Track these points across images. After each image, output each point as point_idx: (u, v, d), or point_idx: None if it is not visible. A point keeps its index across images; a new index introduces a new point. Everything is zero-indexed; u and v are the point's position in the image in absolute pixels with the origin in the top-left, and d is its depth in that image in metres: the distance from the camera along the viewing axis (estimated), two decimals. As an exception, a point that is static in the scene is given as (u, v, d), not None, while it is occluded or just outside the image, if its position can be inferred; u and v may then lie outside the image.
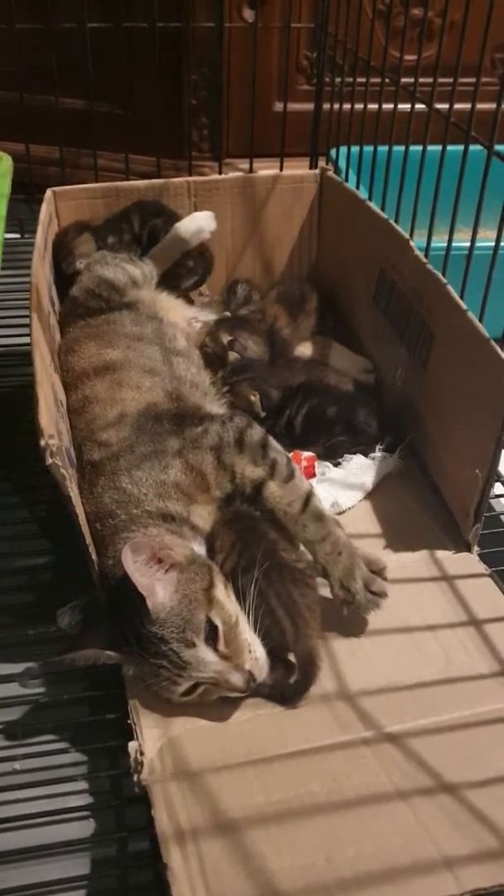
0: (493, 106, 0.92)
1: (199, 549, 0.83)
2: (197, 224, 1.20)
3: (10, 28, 1.40)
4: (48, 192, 1.20)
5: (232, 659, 0.73)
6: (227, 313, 1.20)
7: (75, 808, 0.75)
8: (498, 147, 0.89)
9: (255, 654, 0.74)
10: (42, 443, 0.73)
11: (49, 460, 0.73)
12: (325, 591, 0.84)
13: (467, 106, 0.94)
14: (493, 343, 0.87)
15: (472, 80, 0.93)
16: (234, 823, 0.63)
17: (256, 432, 0.88)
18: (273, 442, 0.89)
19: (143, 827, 0.71)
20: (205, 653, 0.73)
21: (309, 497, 0.85)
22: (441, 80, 1.03)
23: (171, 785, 0.68)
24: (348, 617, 0.83)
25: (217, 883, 0.58)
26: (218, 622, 0.74)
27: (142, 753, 0.71)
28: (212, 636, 0.73)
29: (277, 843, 0.62)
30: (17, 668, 0.86)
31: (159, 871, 0.68)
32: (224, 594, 0.77)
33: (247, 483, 0.85)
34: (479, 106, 0.94)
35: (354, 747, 0.72)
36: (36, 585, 0.94)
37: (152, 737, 0.73)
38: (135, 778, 0.70)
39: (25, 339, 1.14)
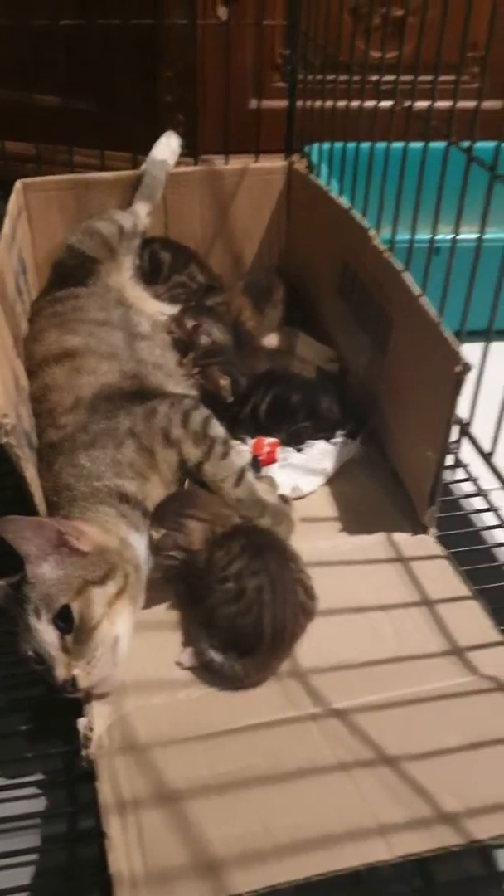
0: (463, 104, 0.95)
1: (140, 536, 0.85)
2: (168, 145, 1.29)
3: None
4: (17, 184, 1.21)
5: (69, 654, 0.73)
6: (192, 303, 1.21)
7: (27, 783, 0.76)
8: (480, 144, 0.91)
9: (94, 668, 0.74)
10: (-2, 421, 0.74)
11: (3, 439, 0.74)
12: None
13: (440, 104, 0.96)
14: (443, 328, 0.88)
15: (443, 77, 0.95)
16: (176, 794, 0.64)
17: (200, 413, 0.91)
18: (214, 422, 0.92)
19: (90, 806, 0.72)
20: (46, 630, 0.74)
21: (242, 473, 0.90)
22: (406, 77, 1.05)
23: (117, 759, 0.68)
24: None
25: (154, 850, 0.59)
26: (75, 615, 0.74)
27: (91, 729, 0.71)
28: (64, 623, 0.74)
29: (217, 812, 0.63)
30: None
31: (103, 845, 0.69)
32: (105, 597, 0.77)
33: (188, 461, 0.88)
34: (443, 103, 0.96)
35: (301, 723, 0.73)
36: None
37: (102, 713, 0.74)
38: (83, 753, 0.70)
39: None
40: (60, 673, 0.73)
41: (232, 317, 1.20)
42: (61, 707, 0.78)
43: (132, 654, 0.79)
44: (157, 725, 0.73)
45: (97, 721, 0.73)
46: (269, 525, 0.89)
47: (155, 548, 0.85)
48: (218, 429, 0.91)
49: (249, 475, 0.90)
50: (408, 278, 0.98)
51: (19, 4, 1.44)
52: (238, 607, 0.79)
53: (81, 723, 0.72)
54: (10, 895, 0.69)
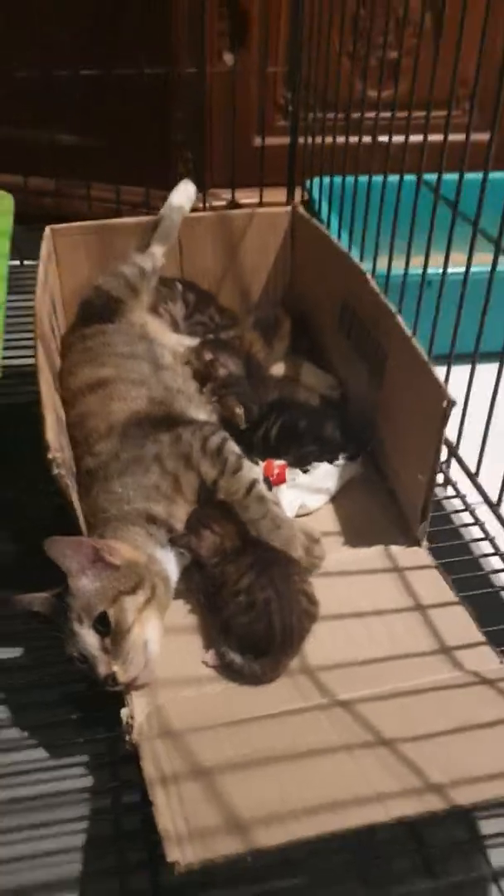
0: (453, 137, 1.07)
1: (167, 553, 0.97)
2: (185, 192, 1.40)
3: (11, 77, 1.54)
4: (47, 230, 1.33)
5: (109, 654, 0.86)
6: (210, 336, 1.33)
7: (75, 763, 0.89)
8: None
9: (129, 665, 0.86)
10: (49, 456, 0.86)
11: (55, 471, 0.86)
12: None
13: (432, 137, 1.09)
14: (431, 367, 1.00)
15: (433, 113, 1.08)
16: (208, 771, 0.77)
17: (218, 437, 1.04)
18: (230, 444, 1.04)
19: (135, 783, 0.85)
20: (88, 634, 0.86)
21: (252, 485, 1.01)
22: (400, 115, 1.18)
23: (157, 742, 0.81)
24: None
25: (193, 814, 0.72)
26: (111, 620, 0.87)
27: (132, 718, 0.84)
28: (103, 628, 0.87)
29: (243, 785, 0.75)
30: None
31: (147, 815, 0.82)
32: (136, 605, 0.89)
33: (206, 481, 1.01)
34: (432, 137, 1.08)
35: (311, 712, 0.85)
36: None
37: (140, 704, 0.86)
38: (126, 738, 0.83)
39: (28, 360, 1.28)
40: (102, 670, 0.86)
41: (244, 349, 1.32)
42: (102, 699, 0.91)
43: (163, 654, 0.91)
44: (188, 714, 0.85)
45: (137, 711, 0.85)
46: (283, 540, 0.98)
47: (171, 540, 0.98)
48: (233, 448, 1.03)
49: (260, 487, 1.02)
50: (401, 320, 1.10)
51: (43, 54, 1.57)
52: (250, 617, 0.92)
53: (124, 712, 0.85)
54: (64, 854, 0.82)
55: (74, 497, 0.92)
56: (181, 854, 0.67)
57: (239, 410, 1.19)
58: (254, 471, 1.05)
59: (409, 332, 1.08)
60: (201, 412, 1.15)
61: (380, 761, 0.77)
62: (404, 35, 1.52)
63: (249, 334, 1.35)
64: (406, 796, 0.72)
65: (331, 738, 0.81)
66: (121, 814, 0.86)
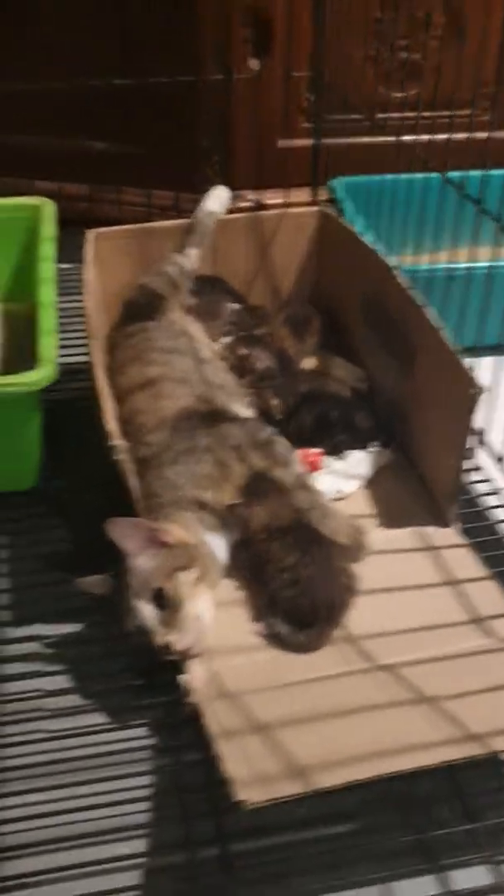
0: (472, 135, 1.14)
1: (216, 536, 1.05)
2: (219, 198, 1.46)
3: (49, 88, 1.62)
4: (90, 234, 1.41)
5: (165, 626, 0.94)
6: (229, 338, 1.40)
7: (138, 725, 0.97)
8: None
9: (184, 635, 0.93)
10: (111, 443, 0.94)
11: (117, 456, 0.94)
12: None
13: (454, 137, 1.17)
14: (460, 358, 1.08)
15: (457, 113, 1.15)
16: (265, 726, 0.85)
17: (264, 432, 1.10)
18: (277, 438, 1.10)
19: (194, 743, 0.93)
20: (145, 607, 0.94)
21: (302, 476, 1.08)
22: (423, 114, 1.26)
23: (216, 703, 0.89)
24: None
25: (256, 762, 0.79)
26: (168, 595, 0.94)
27: (191, 682, 0.92)
28: (159, 602, 0.94)
29: (299, 737, 0.83)
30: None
31: (210, 770, 0.90)
32: (189, 580, 0.96)
33: (257, 470, 1.07)
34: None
35: (356, 675, 0.93)
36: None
37: (198, 671, 0.94)
38: (187, 700, 0.91)
39: (73, 359, 1.35)
40: (160, 640, 0.93)
41: (276, 345, 1.40)
42: (159, 669, 0.99)
43: (215, 625, 0.99)
44: (242, 679, 0.93)
45: (195, 677, 0.93)
46: (331, 529, 1.05)
47: (228, 507, 1.06)
48: (281, 442, 1.09)
49: (308, 478, 1.09)
50: (429, 313, 1.17)
51: (76, 65, 1.65)
52: (295, 592, 1.00)
53: (183, 678, 0.93)
54: (129, 804, 0.90)
55: (133, 480, 0.99)
56: (248, 795, 0.74)
57: (275, 402, 1.26)
58: (302, 466, 1.11)
59: (437, 322, 1.15)
60: (240, 405, 1.22)
61: (423, 715, 0.85)
62: (424, 37, 1.60)
63: (281, 330, 1.43)
64: (449, 744, 0.80)
65: (376, 697, 0.89)
66: (182, 770, 0.93)
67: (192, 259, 1.40)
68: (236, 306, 1.42)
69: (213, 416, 1.12)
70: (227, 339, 1.36)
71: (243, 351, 1.33)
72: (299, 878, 0.84)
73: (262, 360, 1.33)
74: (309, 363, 1.45)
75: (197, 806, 0.90)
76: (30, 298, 1.55)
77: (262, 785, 0.76)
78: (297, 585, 1.00)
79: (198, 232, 1.43)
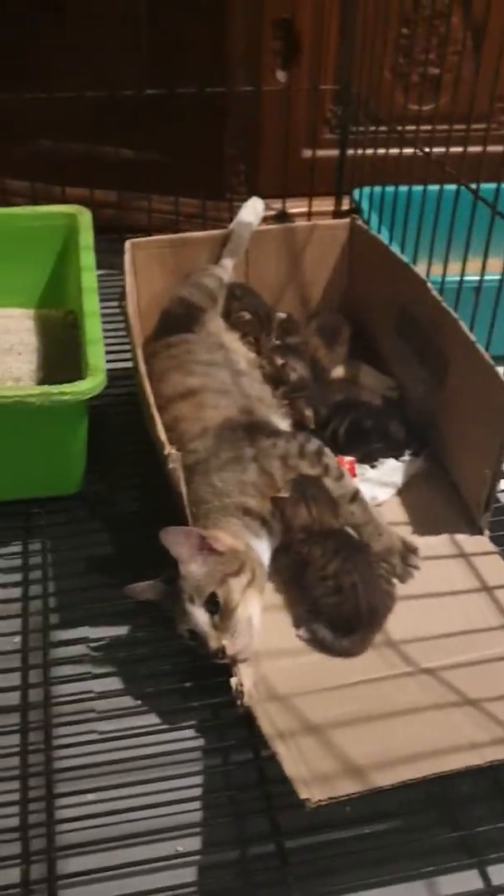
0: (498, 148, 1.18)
1: (260, 542, 1.08)
2: (254, 209, 1.51)
3: (81, 97, 1.65)
4: (127, 244, 1.44)
5: (218, 630, 0.97)
6: (277, 342, 1.43)
7: (186, 726, 1.00)
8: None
9: (236, 639, 0.96)
10: (165, 452, 0.98)
11: (171, 465, 0.98)
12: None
13: (471, 149, 1.22)
14: (496, 370, 1.11)
15: (474, 126, 1.19)
16: (318, 727, 0.88)
17: (313, 444, 1.13)
18: (327, 450, 1.13)
19: (243, 743, 0.96)
20: (198, 612, 0.97)
21: (356, 492, 1.11)
22: (441, 127, 1.29)
23: (268, 705, 0.92)
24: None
25: (313, 762, 0.83)
26: (220, 599, 0.97)
27: (241, 685, 0.95)
28: (213, 606, 0.97)
29: (351, 738, 0.86)
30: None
31: (262, 768, 0.94)
32: (240, 585, 0.99)
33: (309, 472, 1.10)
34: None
35: (399, 678, 0.97)
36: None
37: (247, 673, 0.97)
38: (238, 702, 0.94)
39: (111, 365, 1.38)
40: (213, 644, 0.97)
41: (309, 353, 1.43)
42: (205, 671, 1.02)
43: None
44: (290, 681, 0.97)
45: (244, 679, 0.96)
46: (383, 547, 1.08)
47: (272, 500, 1.09)
48: (330, 456, 1.12)
49: (362, 496, 1.11)
50: (464, 326, 1.21)
51: (106, 74, 1.68)
52: (339, 598, 1.03)
53: (233, 681, 0.96)
54: (181, 804, 0.93)
55: (184, 489, 1.02)
56: (310, 794, 0.78)
57: (308, 412, 1.29)
58: (353, 483, 1.13)
59: (472, 335, 1.18)
60: (278, 417, 1.25)
61: (468, 717, 0.88)
62: (444, 52, 1.64)
63: (313, 339, 1.46)
64: (496, 744, 0.83)
65: (421, 699, 0.92)
66: (232, 770, 0.97)
67: (228, 270, 1.44)
68: (283, 315, 1.46)
69: (256, 427, 1.15)
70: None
71: (279, 360, 1.36)
72: (349, 874, 0.88)
73: (296, 370, 1.37)
74: (338, 372, 1.48)
75: (248, 804, 0.93)
76: (63, 305, 1.60)
77: (322, 784, 0.79)
78: (340, 593, 1.04)
79: (233, 243, 1.47)
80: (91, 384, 1.11)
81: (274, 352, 1.38)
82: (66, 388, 1.09)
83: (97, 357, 1.16)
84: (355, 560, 1.06)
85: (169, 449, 0.98)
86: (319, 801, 0.77)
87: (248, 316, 1.43)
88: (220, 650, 0.96)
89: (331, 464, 1.11)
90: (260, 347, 1.40)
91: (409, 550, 1.09)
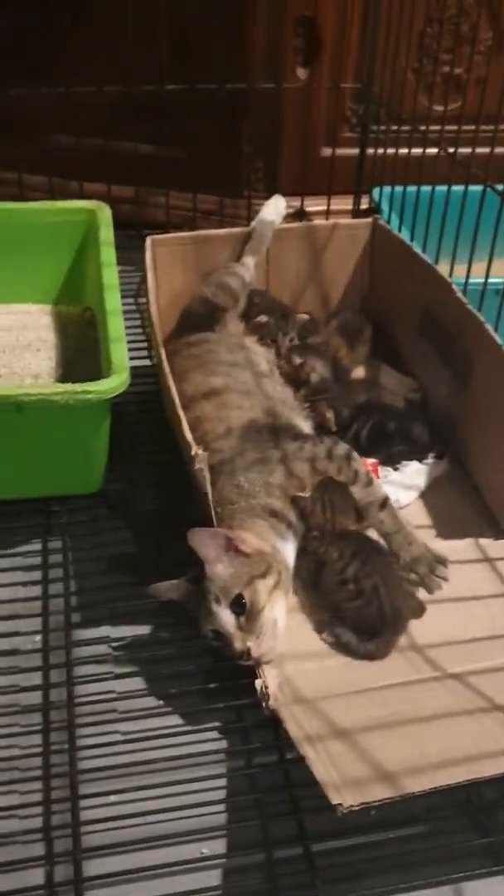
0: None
1: (286, 544, 1.07)
2: (276, 207, 1.50)
3: (100, 92, 1.64)
4: (148, 241, 1.43)
5: (243, 631, 0.96)
6: (297, 341, 1.42)
7: (209, 728, 0.99)
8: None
9: (262, 641, 0.95)
10: (192, 453, 0.97)
11: (198, 465, 0.97)
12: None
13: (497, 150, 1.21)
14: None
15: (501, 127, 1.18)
16: (346, 731, 0.87)
17: (341, 448, 1.11)
18: (355, 455, 1.11)
19: (268, 745, 0.96)
20: (224, 612, 0.96)
21: (386, 499, 1.09)
22: (467, 127, 1.28)
23: (294, 707, 0.91)
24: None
25: (343, 766, 0.82)
26: (246, 601, 0.97)
27: (266, 687, 0.94)
28: (239, 608, 0.96)
29: (381, 743, 0.86)
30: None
31: (288, 771, 0.93)
32: (267, 588, 0.98)
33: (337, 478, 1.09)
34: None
35: (426, 683, 0.96)
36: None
37: (272, 675, 0.96)
38: (263, 705, 0.93)
39: (137, 363, 1.37)
40: (238, 646, 0.96)
41: (330, 354, 1.42)
42: (229, 672, 1.01)
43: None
44: (316, 684, 0.96)
45: (269, 681, 0.95)
46: (412, 557, 1.06)
47: (293, 499, 1.09)
48: (359, 461, 1.10)
49: (391, 503, 1.08)
50: (489, 328, 1.20)
51: (126, 69, 1.67)
52: (361, 602, 1.03)
53: (258, 683, 0.95)
54: (206, 806, 0.92)
55: (209, 490, 1.02)
56: (341, 798, 0.77)
57: (329, 414, 1.28)
58: (382, 489, 1.11)
59: (497, 338, 1.17)
60: (300, 419, 1.24)
61: (498, 722, 0.88)
62: (470, 52, 1.62)
63: (335, 339, 1.45)
64: (528, 753, 0.83)
65: (450, 704, 0.91)
66: (257, 772, 0.96)
67: (250, 269, 1.43)
68: (305, 316, 1.45)
69: (281, 430, 1.15)
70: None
71: (297, 360, 1.35)
72: (376, 878, 0.87)
73: (316, 369, 1.36)
74: (358, 373, 1.48)
75: (274, 807, 0.92)
76: (81, 301, 1.59)
77: (353, 789, 0.79)
78: (361, 596, 1.03)
79: (255, 241, 1.46)
80: (115, 383, 1.10)
81: (292, 351, 1.37)
82: (90, 386, 1.08)
83: (120, 355, 1.15)
84: (374, 562, 1.05)
85: (196, 449, 0.97)
86: (351, 806, 0.77)
87: (264, 319, 1.42)
88: (246, 652, 0.96)
89: (360, 469, 1.10)
90: (279, 349, 1.39)
91: (437, 561, 1.06)
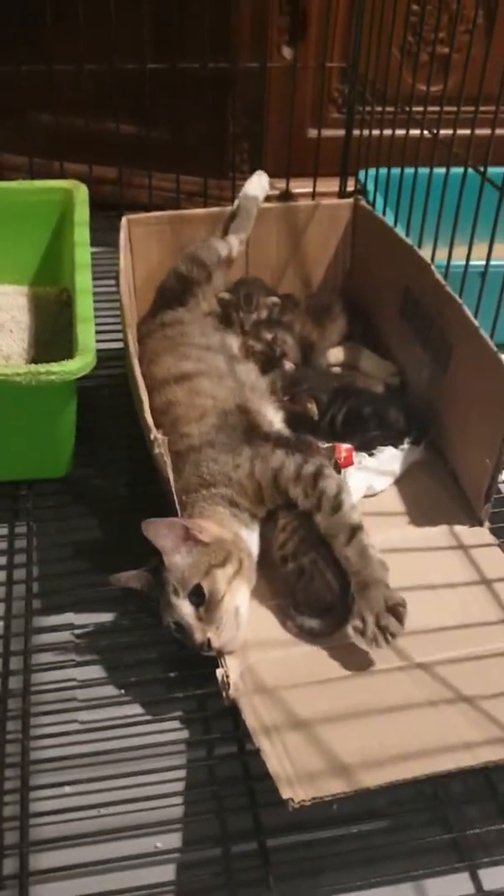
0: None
1: (249, 531, 1.04)
2: (259, 183, 1.47)
3: (80, 69, 1.60)
4: (123, 220, 1.40)
5: (203, 622, 0.93)
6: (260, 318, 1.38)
7: (170, 718, 0.97)
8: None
9: (222, 631, 0.93)
10: (151, 436, 0.94)
11: (157, 450, 0.94)
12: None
13: (479, 132, 1.16)
14: (500, 358, 1.07)
15: (483, 108, 1.14)
16: (305, 722, 0.85)
17: (310, 466, 1.03)
18: (326, 473, 1.03)
19: (229, 736, 0.93)
20: (182, 604, 0.94)
21: (355, 531, 0.99)
22: (450, 108, 1.25)
23: (254, 697, 0.89)
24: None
25: (298, 759, 0.79)
26: (205, 591, 0.94)
27: (227, 676, 0.91)
28: (197, 598, 0.94)
29: (340, 734, 0.83)
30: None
31: (246, 763, 0.90)
32: (226, 576, 0.95)
33: (300, 506, 1.03)
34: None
35: (392, 673, 0.93)
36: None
37: (233, 665, 0.94)
38: (224, 694, 0.90)
39: (106, 345, 1.34)
40: (198, 637, 0.93)
41: (297, 331, 1.39)
42: (193, 660, 0.98)
43: (249, 619, 0.99)
44: (279, 673, 0.93)
45: (231, 670, 0.93)
46: (367, 600, 0.95)
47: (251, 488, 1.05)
48: (329, 482, 1.02)
49: (363, 535, 0.99)
50: (467, 311, 1.16)
51: (106, 48, 1.63)
52: (305, 579, 1.00)
53: (219, 672, 0.92)
54: (164, 798, 0.89)
55: (171, 476, 0.99)
56: (293, 793, 0.74)
57: (312, 405, 1.25)
58: (355, 511, 1.01)
59: (476, 322, 1.14)
60: (271, 408, 1.21)
61: (462, 714, 0.85)
62: (456, 32, 1.58)
63: (301, 317, 1.42)
64: (490, 744, 0.80)
65: (414, 695, 0.89)
66: (216, 763, 0.93)
67: (231, 246, 1.39)
68: (275, 299, 1.41)
69: (255, 427, 1.11)
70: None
71: (268, 335, 1.32)
72: (335, 874, 0.85)
73: (288, 342, 1.33)
74: (337, 354, 1.44)
75: (231, 800, 0.90)
76: (58, 282, 1.56)
77: (306, 783, 0.76)
78: (304, 573, 1.00)
79: (240, 218, 1.42)
80: (79, 364, 1.07)
81: (259, 327, 1.34)
82: (54, 367, 1.05)
83: (87, 336, 1.12)
84: (311, 539, 1.02)
85: (155, 433, 0.94)
86: (303, 800, 0.74)
87: (227, 296, 1.39)
88: (206, 643, 0.93)
89: (327, 491, 1.01)
90: (243, 327, 1.36)
91: (391, 611, 0.94)
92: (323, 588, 0.99)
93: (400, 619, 0.93)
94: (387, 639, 0.92)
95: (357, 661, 0.95)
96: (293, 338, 1.37)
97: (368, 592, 0.96)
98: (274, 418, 1.19)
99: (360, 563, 0.98)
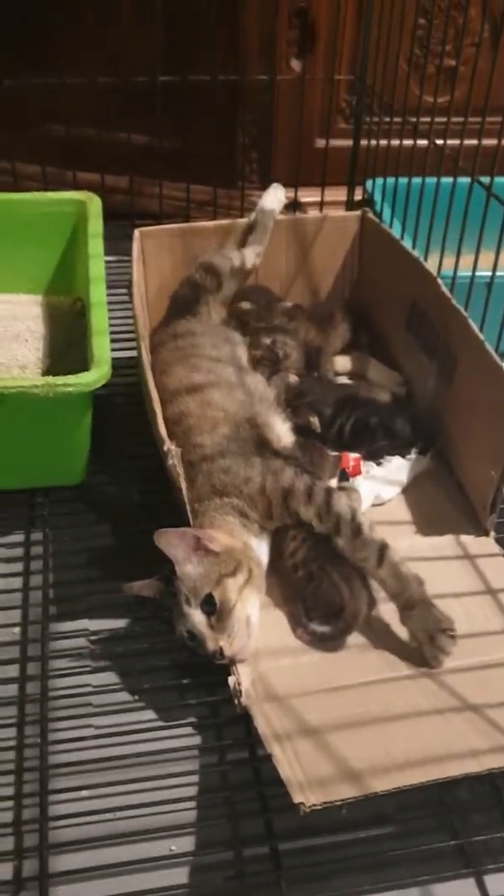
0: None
1: (258, 541, 1.07)
2: (275, 196, 1.50)
3: (94, 83, 1.63)
4: (136, 233, 1.42)
5: (215, 631, 0.95)
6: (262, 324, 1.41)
7: (183, 724, 0.99)
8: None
9: (234, 640, 0.95)
10: (164, 448, 0.96)
11: (170, 461, 0.96)
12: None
13: (486, 142, 1.18)
14: (502, 367, 1.09)
15: (490, 119, 1.16)
16: (316, 729, 0.87)
17: (321, 489, 1.04)
18: (336, 497, 1.04)
19: (241, 742, 0.96)
20: (195, 613, 0.96)
21: (382, 550, 0.99)
22: (456, 119, 1.27)
23: (265, 705, 0.91)
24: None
25: (309, 765, 0.82)
26: (217, 600, 0.96)
27: (239, 684, 0.94)
28: (209, 607, 0.96)
29: (349, 741, 0.85)
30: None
31: (258, 769, 0.93)
32: (237, 585, 0.98)
33: (316, 530, 1.04)
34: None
35: (400, 681, 0.95)
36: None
37: (245, 672, 0.96)
38: (236, 702, 0.93)
39: (118, 354, 1.36)
40: (210, 645, 0.96)
41: (300, 338, 1.41)
42: (203, 667, 1.01)
43: (259, 628, 1.01)
44: (289, 681, 0.95)
45: (242, 678, 0.95)
46: (416, 627, 0.98)
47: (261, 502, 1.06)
48: (342, 505, 1.02)
49: (390, 553, 0.99)
50: (472, 324, 1.19)
51: (121, 59, 1.66)
52: (314, 583, 1.02)
53: (231, 680, 0.95)
54: (176, 803, 0.92)
55: (184, 486, 1.01)
56: (304, 798, 0.77)
57: (314, 419, 1.27)
58: (374, 529, 1.01)
59: (480, 335, 1.16)
60: (279, 420, 1.22)
61: (469, 723, 0.87)
62: (462, 45, 1.60)
63: (304, 324, 1.44)
64: (495, 752, 0.82)
65: (422, 703, 0.91)
66: (228, 769, 0.96)
67: (246, 258, 1.42)
68: (288, 304, 1.44)
69: (266, 442, 1.14)
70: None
71: (266, 340, 1.35)
72: (343, 879, 0.87)
73: (289, 344, 1.35)
74: (344, 364, 1.47)
75: (243, 805, 0.92)
76: (72, 292, 1.58)
77: (316, 788, 0.79)
78: (313, 579, 1.03)
79: (258, 231, 1.45)
80: (95, 376, 1.09)
81: (259, 333, 1.36)
82: (71, 379, 1.08)
83: (102, 348, 1.15)
84: (321, 549, 1.04)
85: (168, 445, 0.97)
86: (314, 805, 0.76)
87: (247, 305, 1.42)
88: (218, 651, 0.95)
89: (342, 514, 1.01)
90: (259, 336, 1.38)
91: (442, 630, 0.96)
92: (330, 590, 1.01)
93: (453, 637, 0.97)
94: (440, 658, 0.96)
95: (365, 670, 0.97)
96: (296, 341, 1.39)
97: (415, 612, 0.98)
98: (283, 431, 1.21)
99: (398, 586, 0.99)
